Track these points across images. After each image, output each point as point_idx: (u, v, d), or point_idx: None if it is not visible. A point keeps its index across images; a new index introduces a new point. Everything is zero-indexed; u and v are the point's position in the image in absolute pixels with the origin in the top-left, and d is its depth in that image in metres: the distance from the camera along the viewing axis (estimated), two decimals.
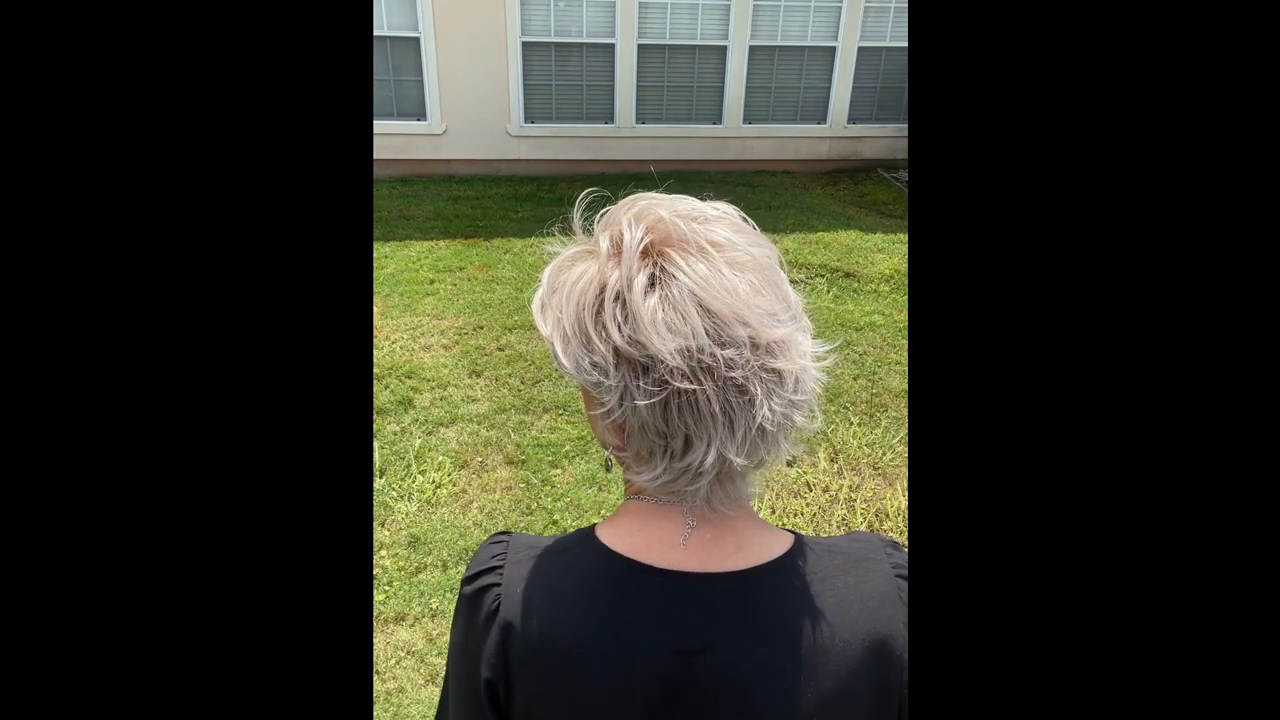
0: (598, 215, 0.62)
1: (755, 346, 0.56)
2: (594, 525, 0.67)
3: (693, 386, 0.55)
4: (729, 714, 0.61)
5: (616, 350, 0.56)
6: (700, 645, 0.61)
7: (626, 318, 0.56)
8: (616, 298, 0.57)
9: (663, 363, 0.55)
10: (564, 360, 0.59)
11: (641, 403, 0.56)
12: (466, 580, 0.68)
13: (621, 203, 0.62)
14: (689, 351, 0.55)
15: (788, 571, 0.64)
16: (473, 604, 0.66)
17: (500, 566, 0.66)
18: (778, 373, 0.57)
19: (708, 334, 0.55)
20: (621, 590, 0.62)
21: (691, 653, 0.60)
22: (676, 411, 0.57)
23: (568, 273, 0.61)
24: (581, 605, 0.62)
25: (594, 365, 0.57)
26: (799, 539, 0.67)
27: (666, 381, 0.55)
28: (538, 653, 0.62)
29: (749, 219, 0.64)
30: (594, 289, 0.58)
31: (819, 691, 0.61)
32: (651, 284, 0.56)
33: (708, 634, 0.61)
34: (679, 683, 0.60)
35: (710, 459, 0.58)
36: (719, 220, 0.61)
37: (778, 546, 0.66)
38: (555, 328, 0.60)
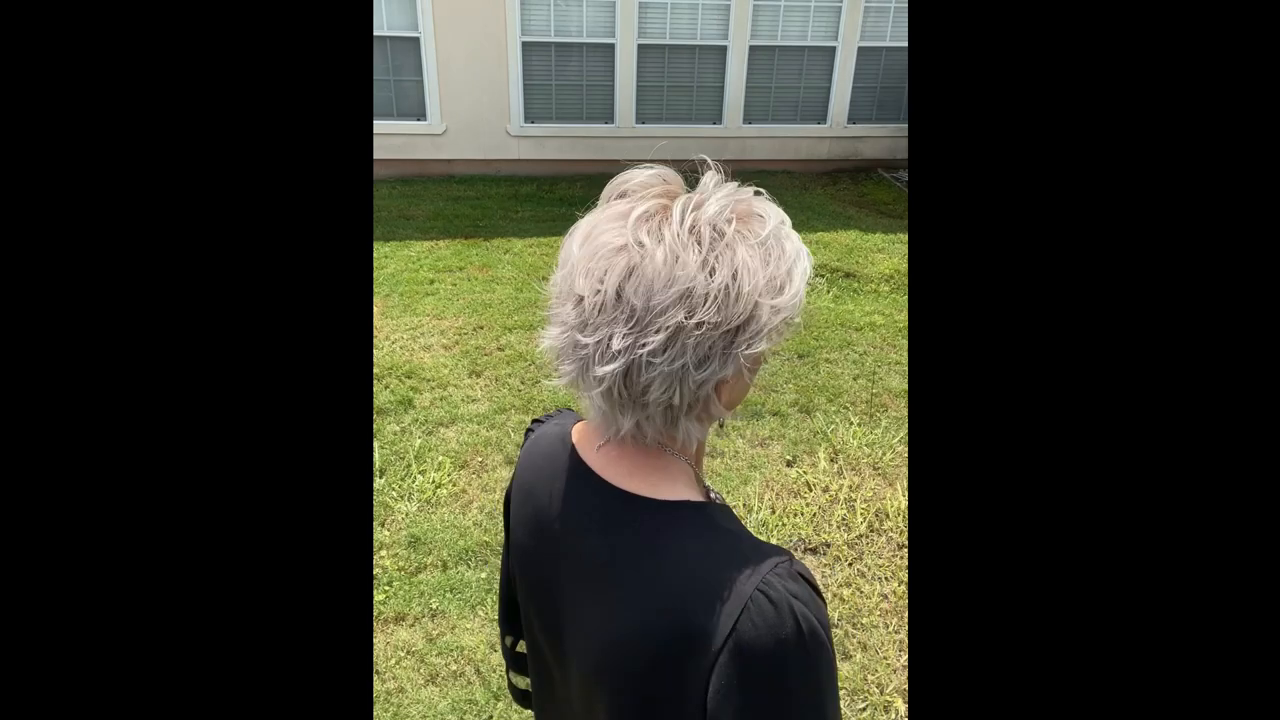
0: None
1: (625, 313, 0.61)
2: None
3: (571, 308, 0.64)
4: (570, 599, 0.73)
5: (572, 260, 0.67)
6: (575, 528, 0.74)
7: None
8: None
9: (576, 293, 0.64)
10: None
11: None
12: (533, 422, 0.89)
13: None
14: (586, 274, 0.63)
15: (652, 518, 0.69)
16: (526, 437, 0.87)
17: (544, 422, 0.86)
18: (602, 344, 0.62)
19: (588, 272, 0.62)
20: (558, 466, 0.78)
21: (572, 531, 0.74)
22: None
23: None
24: (538, 466, 0.80)
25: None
26: (700, 509, 0.69)
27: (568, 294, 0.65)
28: (514, 489, 0.83)
29: (777, 243, 0.65)
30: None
31: (611, 631, 0.67)
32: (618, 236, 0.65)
33: (583, 522, 0.73)
34: (563, 551, 0.74)
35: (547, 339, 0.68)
36: (725, 220, 0.62)
37: (666, 493, 0.69)
38: None
